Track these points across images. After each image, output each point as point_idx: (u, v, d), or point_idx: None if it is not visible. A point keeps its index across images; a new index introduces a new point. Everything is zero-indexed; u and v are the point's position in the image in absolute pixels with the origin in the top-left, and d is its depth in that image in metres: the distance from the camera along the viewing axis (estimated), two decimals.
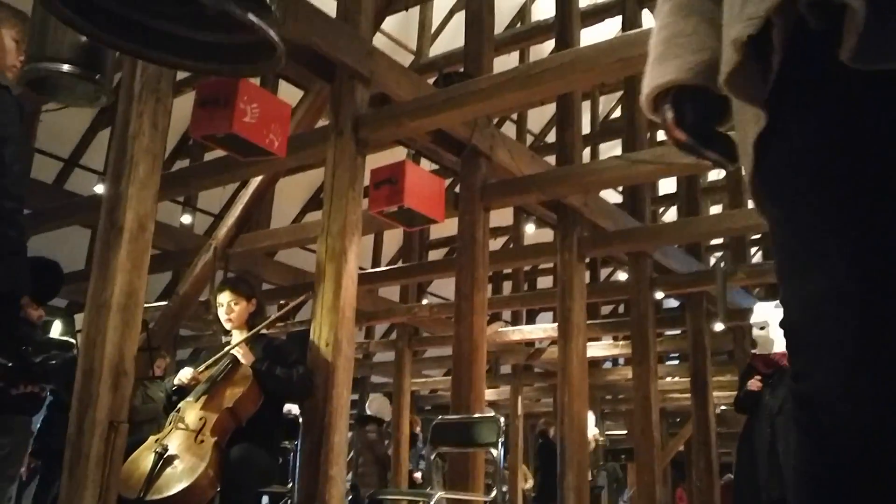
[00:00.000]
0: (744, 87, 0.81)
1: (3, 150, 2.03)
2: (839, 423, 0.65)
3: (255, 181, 6.53)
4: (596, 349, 10.97)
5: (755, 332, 4.80)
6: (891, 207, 0.65)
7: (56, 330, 4.17)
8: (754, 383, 4.86)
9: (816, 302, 0.69)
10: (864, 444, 0.62)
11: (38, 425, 5.17)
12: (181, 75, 6.34)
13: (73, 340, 3.93)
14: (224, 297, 3.92)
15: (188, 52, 0.79)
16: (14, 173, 2.06)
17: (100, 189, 7.87)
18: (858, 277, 0.65)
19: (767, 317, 4.75)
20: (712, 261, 12.20)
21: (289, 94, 6.59)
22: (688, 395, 9.23)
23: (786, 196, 0.74)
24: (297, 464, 4.24)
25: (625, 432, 15.56)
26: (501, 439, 4.08)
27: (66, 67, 2.34)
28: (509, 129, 11.78)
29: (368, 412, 9.16)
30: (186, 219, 9.36)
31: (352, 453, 8.01)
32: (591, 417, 8.72)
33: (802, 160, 0.71)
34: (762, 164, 0.78)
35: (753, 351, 5.02)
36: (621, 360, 13.26)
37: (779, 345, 4.76)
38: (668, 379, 12.14)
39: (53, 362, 2.48)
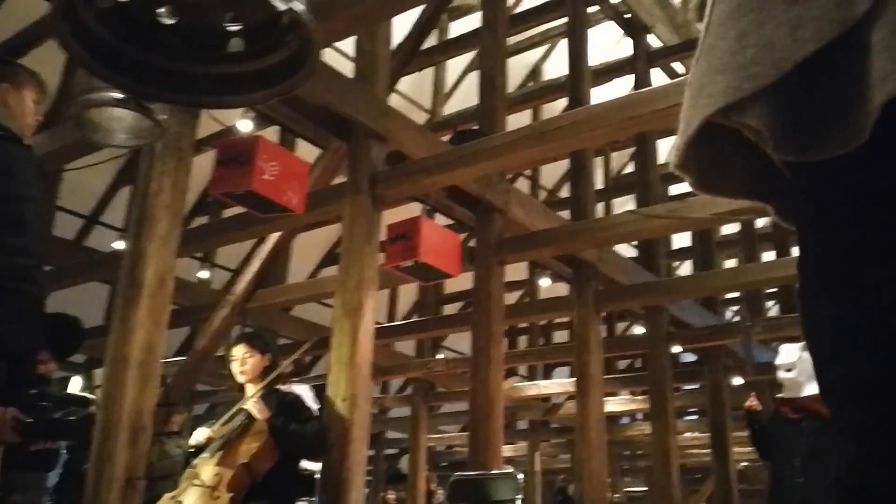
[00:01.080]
0: None
1: (24, 208, 2.09)
2: None
3: (273, 237, 6.60)
4: (613, 404, 10.87)
5: (780, 374, 4.61)
6: None
7: (75, 385, 4.20)
8: (753, 402, 4.76)
9: None
10: None
11: (54, 481, 5.17)
12: (201, 134, 6.48)
13: (91, 396, 3.95)
14: (238, 351, 3.94)
15: (217, 88, 0.83)
16: (34, 232, 2.12)
17: (119, 245, 7.98)
18: None
19: (794, 358, 4.59)
20: (728, 314, 12.14)
21: (306, 152, 6.71)
22: (707, 450, 9.10)
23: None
24: None
25: (645, 489, 15.29)
26: (520, 496, 4.04)
27: (116, 96, 2.36)
28: (523, 185, 11.89)
29: (404, 471, 8.97)
30: (204, 274, 9.45)
31: None
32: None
33: None
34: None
35: (779, 395, 4.81)
36: (639, 416, 13.10)
37: (808, 388, 4.60)
38: (688, 434, 11.97)
39: (72, 418, 2.50)
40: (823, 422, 4.34)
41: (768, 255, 9.97)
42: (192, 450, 3.80)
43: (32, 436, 2.26)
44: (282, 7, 0.74)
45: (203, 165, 6.88)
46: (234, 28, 0.85)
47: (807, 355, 4.49)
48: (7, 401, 2.36)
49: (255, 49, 0.89)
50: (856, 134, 0.54)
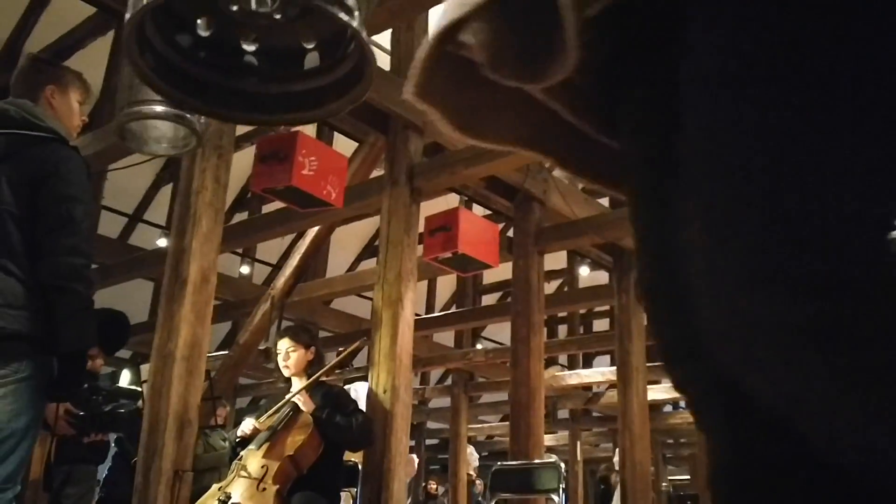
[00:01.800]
0: None
1: (75, 209, 2.13)
2: None
3: (312, 231, 6.65)
4: (656, 392, 10.77)
5: None
6: None
7: (125, 379, 4.28)
8: None
9: None
10: None
11: (104, 474, 5.28)
12: (240, 130, 6.55)
13: (140, 389, 4.03)
14: (283, 345, 3.98)
15: (274, 106, 0.84)
16: (84, 231, 2.16)
17: (162, 243, 8.11)
18: None
19: None
20: None
21: (343, 146, 6.74)
22: None
23: None
24: None
25: (688, 477, 15.16)
26: (562, 486, 4.03)
27: (159, 109, 2.44)
28: (561, 173, 11.81)
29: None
30: (245, 269, 9.56)
31: None
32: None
33: None
34: None
35: None
36: (682, 404, 12.98)
37: None
38: None
39: (122, 411, 2.57)
40: None
41: None
42: (238, 440, 3.86)
43: (85, 428, 2.32)
44: (346, 21, 0.74)
45: (243, 162, 6.96)
46: (306, 46, 0.86)
47: None
48: (61, 398, 2.42)
49: (322, 66, 0.90)
50: (559, 57, 0.51)
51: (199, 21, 0.78)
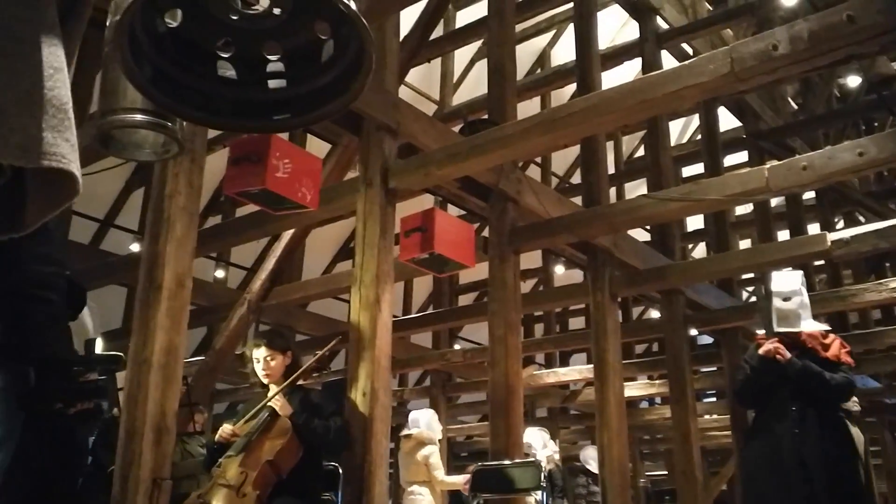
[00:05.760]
0: None
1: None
2: None
3: (287, 234, 6.62)
4: (632, 389, 10.85)
5: (777, 303, 3.97)
6: None
7: (99, 346, 4.23)
8: (773, 348, 3.92)
9: None
10: None
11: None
12: (211, 133, 6.51)
13: (119, 354, 4.00)
14: (260, 353, 3.95)
15: (259, 113, 0.83)
16: (56, 240, 2.14)
17: (135, 248, 8.03)
18: None
19: (795, 286, 3.96)
20: (745, 295, 12.04)
21: (316, 148, 6.71)
22: (727, 432, 9.07)
23: None
24: None
25: (665, 473, 15.28)
26: (544, 484, 4.05)
27: (139, 117, 2.42)
28: (533, 172, 11.86)
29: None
30: (220, 273, 9.48)
31: None
32: (536, 436, 7.84)
33: None
34: None
35: (778, 329, 4.03)
36: (658, 400, 13.08)
37: (807, 322, 3.95)
38: (707, 417, 11.94)
39: (103, 377, 2.52)
40: (820, 362, 3.88)
41: (783, 235, 9.91)
42: (216, 446, 3.83)
43: (71, 400, 2.31)
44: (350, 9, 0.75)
45: (214, 164, 6.90)
46: (276, 57, 0.86)
47: (804, 287, 4.07)
48: (40, 407, 2.38)
49: (302, 72, 0.90)
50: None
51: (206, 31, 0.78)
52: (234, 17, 0.78)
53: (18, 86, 0.61)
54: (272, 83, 0.86)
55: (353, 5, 0.73)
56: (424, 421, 6.71)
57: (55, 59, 0.65)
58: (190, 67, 0.84)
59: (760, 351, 4.05)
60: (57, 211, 0.73)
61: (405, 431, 6.75)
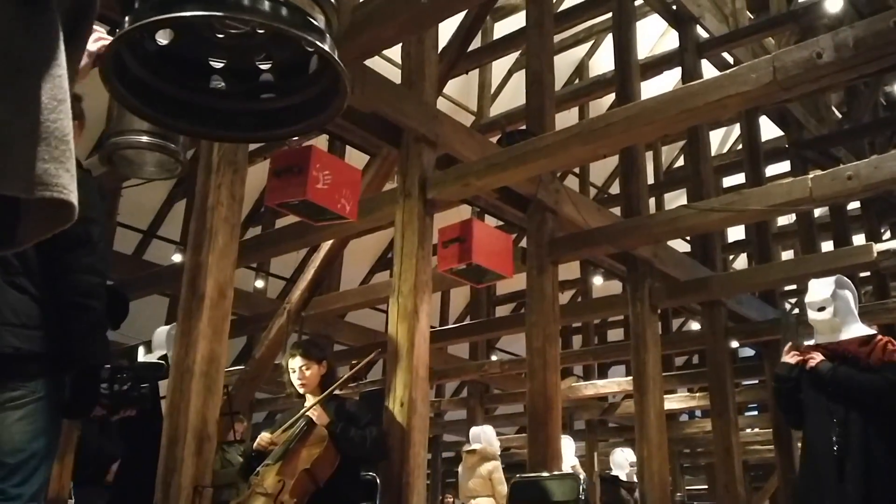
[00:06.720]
0: None
1: (91, 229, 2.16)
2: None
3: (326, 245, 6.67)
4: (672, 402, 10.72)
5: (812, 315, 3.80)
6: None
7: (141, 355, 4.32)
8: (796, 354, 3.76)
9: None
10: None
11: None
12: (253, 146, 6.60)
13: (160, 362, 4.06)
14: (296, 363, 3.96)
15: (254, 124, 0.85)
16: (100, 251, 2.19)
17: (177, 258, 8.15)
18: None
19: (827, 294, 3.76)
20: (787, 307, 11.80)
21: (356, 159, 6.76)
22: (770, 446, 8.91)
23: None
24: None
25: (705, 487, 15.04)
26: (582, 497, 4.01)
27: (144, 139, 2.53)
28: (572, 183, 11.81)
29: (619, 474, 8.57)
30: (259, 283, 9.58)
31: None
32: (569, 444, 7.72)
33: None
34: None
35: (809, 342, 3.85)
36: (698, 413, 12.90)
37: (847, 329, 3.76)
38: (749, 430, 11.75)
39: (146, 385, 2.56)
40: (863, 369, 3.65)
41: (827, 245, 9.73)
42: (254, 454, 3.85)
43: (115, 407, 2.35)
44: (314, 43, 0.78)
45: (256, 177, 6.99)
46: (266, 66, 0.89)
47: (843, 291, 3.84)
48: (77, 415, 2.42)
49: (288, 85, 0.93)
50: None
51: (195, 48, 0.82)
52: (221, 36, 0.81)
53: (25, 119, 0.64)
54: (262, 96, 0.89)
55: (325, 46, 0.76)
56: (486, 436, 6.78)
57: (60, 91, 0.67)
58: (180, 81, 0.87)
59: (783, 359, 3.88)
60: (50, 234, 0.77)
61: (468, 447, 6.82)
